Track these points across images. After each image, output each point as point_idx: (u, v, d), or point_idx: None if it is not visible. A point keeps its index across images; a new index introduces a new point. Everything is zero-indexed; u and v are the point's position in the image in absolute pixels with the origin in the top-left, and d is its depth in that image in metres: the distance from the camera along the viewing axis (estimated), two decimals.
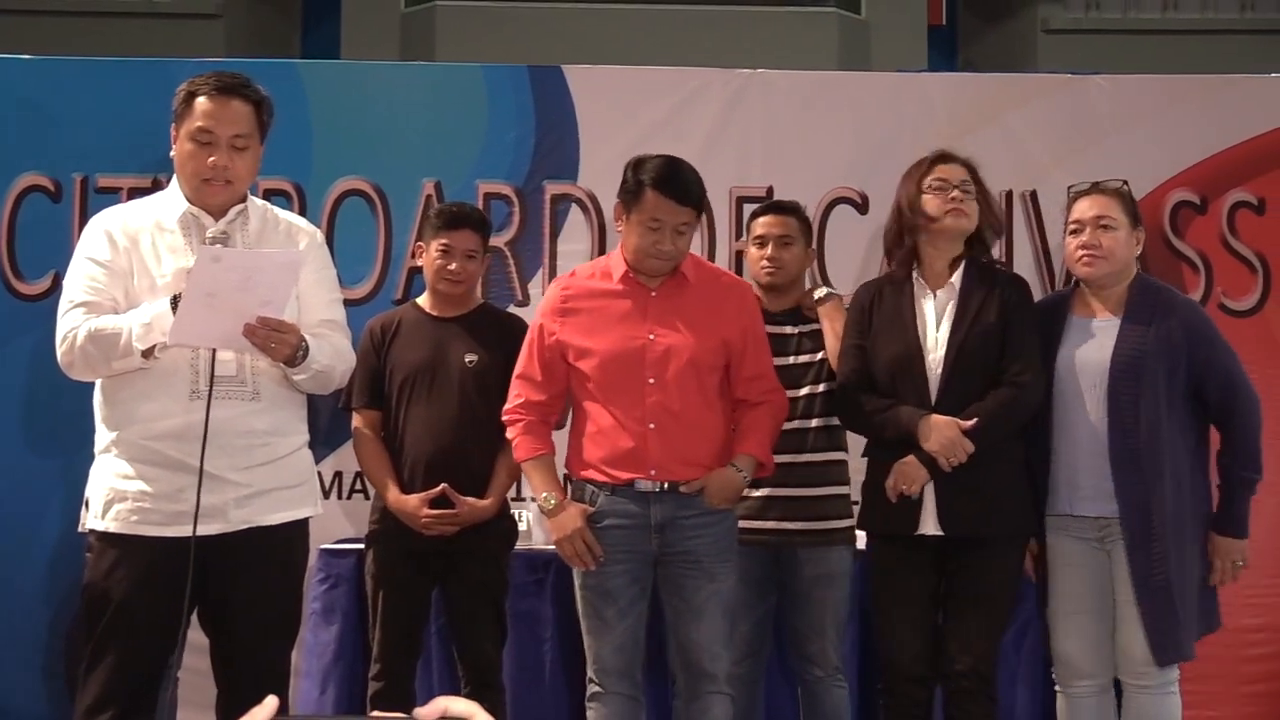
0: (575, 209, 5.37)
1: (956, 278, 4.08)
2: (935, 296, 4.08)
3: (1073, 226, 4.07)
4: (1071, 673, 4.04)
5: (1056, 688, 4.13)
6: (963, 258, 4.10)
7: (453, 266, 4.46)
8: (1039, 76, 6.09)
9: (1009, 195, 5.32)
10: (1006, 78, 5.83)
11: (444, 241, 4.47)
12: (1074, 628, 4.01)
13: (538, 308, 4.10)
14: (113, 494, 3.54)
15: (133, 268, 3.56)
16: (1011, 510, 4.05)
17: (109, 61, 5.50)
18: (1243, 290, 5.32)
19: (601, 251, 5.28)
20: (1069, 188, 4.20)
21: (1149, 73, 5.87)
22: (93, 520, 3.59)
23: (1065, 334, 4.05)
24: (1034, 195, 5.37)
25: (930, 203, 4.07)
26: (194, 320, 3.37)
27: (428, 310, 4.56)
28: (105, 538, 3.55)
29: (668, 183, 3.85)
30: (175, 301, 3.39)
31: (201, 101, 3.59)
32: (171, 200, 3.66)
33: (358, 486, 5.18)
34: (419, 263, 4.65)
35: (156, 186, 4.97)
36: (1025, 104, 5.44)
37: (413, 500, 4.33)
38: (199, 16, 10.06)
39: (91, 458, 3.69)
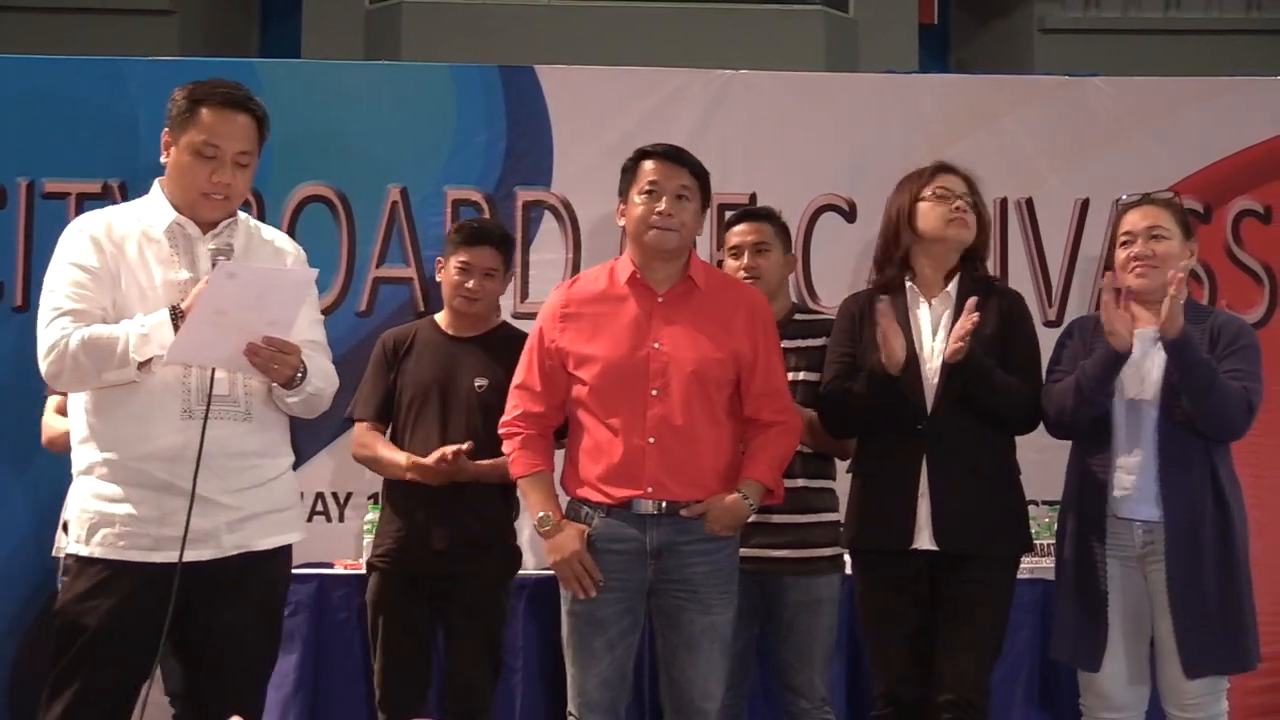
0: (549, 216, 5.40)
1: (952, 287, 4.14)
2: (930, 306, 4.14)
3: (1123, 239, 4.10)
4: (1104, 704, 4.07)
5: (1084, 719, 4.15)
6: (956, 270, 4.15)
7: (471, 284, 4.52)
8: (1035, 78, 6.11)
9: (1004, 202, 5.38)
10: (1001, 79, 5.86)
11: (463, 259, 4.53)
12: (1110, 656, 4.03)
13: (539, 314, 4.10)
14: (98, 517, 3.51)
15: (120, 275, 3.55)
16: (1007, 529, 4.10)
17: (55, 59, 5.48)
18: (1249, 303, 5.38)
19: (576, 261, 5.32)
20: (1116, 200, 4.23)
21: (1150, 74, 5.91)
22: (73, 545, 3.56)
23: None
24: (1030, 202, 5.43)
25: (931, 212, 4.13)
26: (197, 338, 3.37)
27: (444, 328, 4.62)
28: (85, 561, 3.52)
29: (662, 150, 3.96)
30: (174, 312, 3.40)
31: (207, 113, 3.58)
32: (157, 208, 3.64)
33: (319, 508, 5.23)
34: (439, 278, 4.68)
35: (106, 191, 4.99)
36: (1021, 107, 5.50)
37: (433, 455, 4.39)
38: (151, 12, 10.06)
39: (56, 478, 3.64)
